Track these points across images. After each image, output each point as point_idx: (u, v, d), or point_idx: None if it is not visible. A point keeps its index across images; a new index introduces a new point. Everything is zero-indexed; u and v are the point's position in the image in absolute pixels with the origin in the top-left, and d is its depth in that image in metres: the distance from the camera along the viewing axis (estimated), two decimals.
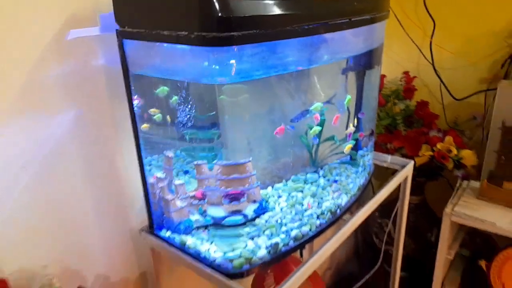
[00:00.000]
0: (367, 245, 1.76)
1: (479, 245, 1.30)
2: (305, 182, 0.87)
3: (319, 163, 0.92)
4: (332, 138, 0.89)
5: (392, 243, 1.42)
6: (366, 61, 0.87)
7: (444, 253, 1.14)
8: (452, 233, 1.18)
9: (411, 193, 1.37)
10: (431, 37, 1.41)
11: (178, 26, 0.53)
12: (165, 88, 0.60)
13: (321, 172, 0.90)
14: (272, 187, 0.84)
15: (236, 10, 0.50)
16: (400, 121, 1.38)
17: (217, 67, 0.53)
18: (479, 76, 1.41)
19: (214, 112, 0.57)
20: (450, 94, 1.46)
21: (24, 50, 0.59)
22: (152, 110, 0.69)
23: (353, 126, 0.88)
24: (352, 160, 0.95)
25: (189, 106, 0.59)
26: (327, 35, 0.67)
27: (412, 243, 1.43)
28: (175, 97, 0.61)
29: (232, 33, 0.50)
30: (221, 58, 0.53)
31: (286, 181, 0.87)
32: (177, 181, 0.69)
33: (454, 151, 1.26)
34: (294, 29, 0.56)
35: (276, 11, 0.54)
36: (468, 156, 1.27)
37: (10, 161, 0.60)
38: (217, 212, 0.67)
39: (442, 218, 1.12)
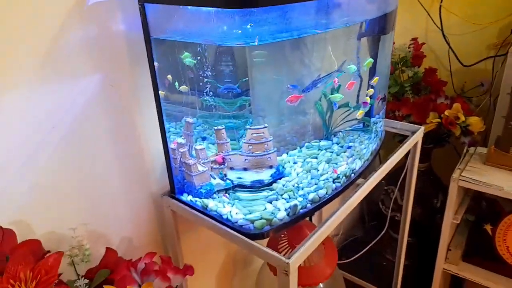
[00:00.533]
0: (373, 212, 1.81)
1: (484, 210, 1.33)
2: (319, 149, 0.89)
3: (333, 130, 0.93)
4: (346, 104, 0.90)
5: (398, 209, 1.45)
6: (381, 26, 0.86)
7: (450, 218, 1.17)
8: (458, 199, 1.21)
9: (419, 160, 1.39)
10: (441, 1, 1.39)
11: None
12: (188, 54, 0.60)
13: (334, 139, 0.92)
14: (287, 153, 0.86)
15: None
16: (408, 89, 1.38)
17: (242, 29, 0.53)
18: (487, 41, 1.40)
19: (246, 78, 0.57)
20: (459, 60, 1.45)
21: (47, 16, 0.59)
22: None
23: (368, 94, 0.89)
24: (365, 127, 0.96)
25: (214, 71, 0.59)
26: None
27: (418, 209, 1.46)
28: (197, 62, 0.62)
29: None
30: (246, 19, 0.53)
31: (301, 148, 0.88)
32: (198, 146, 0.70)
33: (462, 118, 1.27)
34: None
35: None
36: (475, 123, 1.28)
37: (41, 122, 0.61)
38: (238, 175, 0.68)
39: (449, 184, 1.14)
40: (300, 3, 0.57)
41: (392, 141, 1.32)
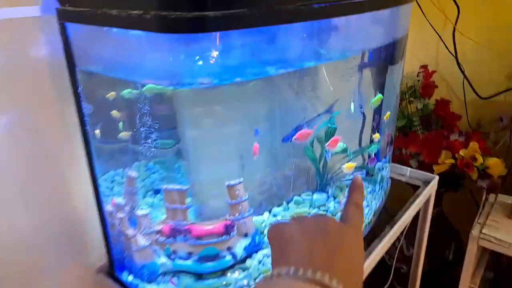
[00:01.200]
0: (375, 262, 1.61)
1: (504, 267, 1.14)
2: (311, 205, 0.71)
3: (328, 180, 0.75)
4: (344, 150, 0.72)
5: (404, 260, 1.26)
6: (389, 55, 0.69)
7: (467, 282, 0.98)
8: (476, 257, 1.02)
9: None
10: (455, 23, 1.23)
11: (132, 2, 0.36)
12: (113, 93, 0.43)
13: (330, 191, 0.74)
14: (270, 212, 0.68)
15: None
16: (417, 122, 1.21)
17: (185, 63, 0.36)
18: (507, 70, 1.23)
19: (174, 127, 0.40)
20: (474, 91, 1.28)
21: None
22: (114, 112, 0.52)
23: (373, 140, 0.72)
24: (368, 176, 0.78)
25: (149, 115, 0.42)
26: (341, 20, 0.50)
27: (426, 260, 1.27)
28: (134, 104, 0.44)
29: (206, 13, 0.33)
30: (192, 49, 0.36)
31: (288, 203, 0.71)
32: (139, 211, 0.52)
33: (480, 160, 1.09)
34: (298, 10, 0.38)
35: None
36: (495, 165, 1.10)
37: None
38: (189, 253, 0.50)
39: (461, 230, 0.96)
40: (275, 27, 0.41)
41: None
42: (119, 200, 0.54)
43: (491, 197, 1.10)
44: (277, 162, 0.68)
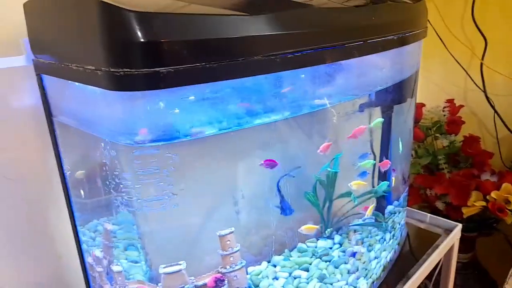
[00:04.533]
0: None
1: None
2: (313, 254, 0.65)
3: (334, 225, 0.70)
4: (348, 194, 0.67)
5: None
6: (394, 95, 0.64)
7: None
8: None
9: (459, 250, 1.11)
10: (482, 58, 1.16)
11: (86, 57, 0.34)
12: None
13: (337, 238, 0.68)
14: (269, 262, 0.63)
15: (167, 29, 0.31)
16: (443, 161, 1.13)
17: (137, 121, 0.33)
18: None
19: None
20: (506, 126, 1.19)
21: None
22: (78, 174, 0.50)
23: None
24: (377, 224, 0.71)
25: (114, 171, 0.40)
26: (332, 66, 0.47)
27: None
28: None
29: (159, 68, 0.31)
30: (141, 107, 0.33)
31: (290, 251, 0.66)
32: (115, 267, 0.49)
33: None
34: (267, 59, 0.35)
35: (236, 29, 0.34)
36: None
37: None
38: None
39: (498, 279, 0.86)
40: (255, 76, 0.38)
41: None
42: (98, 253, 0.52)
43: None
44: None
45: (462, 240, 1.04)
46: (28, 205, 0.54)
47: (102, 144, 0.37)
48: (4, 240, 0.53)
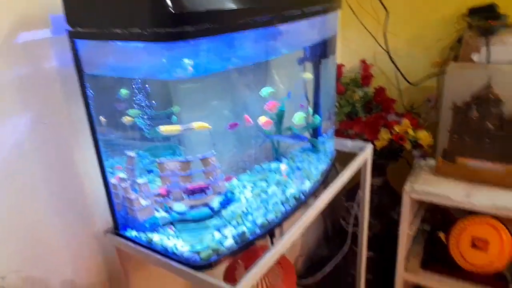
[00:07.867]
0: (336, 230, 1.82)
1: (438, 219, 1.37)
2: (270, 171, 0.89)
3: (282, 153, 0.95)
4: (289, 128, 0.92)
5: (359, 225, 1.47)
6: (321, 51, 0.89)
7: (406, 229, 1.20)
8: (412, 210, 1.24)
9: (374, 175, 1.42)
10: (385, 26, 1.47)
11: (131, 23, 0.53)
12: (124, 91, 0.60)
13: (284, 161, 0.93)
14: (237, 178, 0.86)
15: (189, 5, 0.51)
16: (360, 108, 1.42)
17: (173, 62, 0.53)
18: (431, 60, 1.48)
19: (170, 109, 0.57)
20: (406, 79, 1.52)
21: None
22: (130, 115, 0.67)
23: (307, 113, 0.92)
24: (313, 148, 0.98)
25: (147, 104, 0.59)
26: (281, 27, 0.69)
27: (378, 223, 1.49)
28: (130, 95, 0.61)
29: (185, 28, 0.51)
30: (176, 53, 0.53)
31: (251, 171, 0.89)
32: (139, 180, 0.69)
33: (411, 133, 1.32)
34: (247, 22, 0.57)
35: (230, 5, 0.55)
36: (424, 137, 1.33)
37: None
38: (181, 207, 0.67)
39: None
40: (240, 33, 0.59)
41: (349, 157, 1.35)
42: (122, 175, 0.71)
43: (422, 162, 1.33)
44: (241, 140, 0.86)
45: (376, 166, 1.35)
46: (60, 145, 0.70)
47: (143, 83, 0.56)
48: (39, 169, 0.68)
